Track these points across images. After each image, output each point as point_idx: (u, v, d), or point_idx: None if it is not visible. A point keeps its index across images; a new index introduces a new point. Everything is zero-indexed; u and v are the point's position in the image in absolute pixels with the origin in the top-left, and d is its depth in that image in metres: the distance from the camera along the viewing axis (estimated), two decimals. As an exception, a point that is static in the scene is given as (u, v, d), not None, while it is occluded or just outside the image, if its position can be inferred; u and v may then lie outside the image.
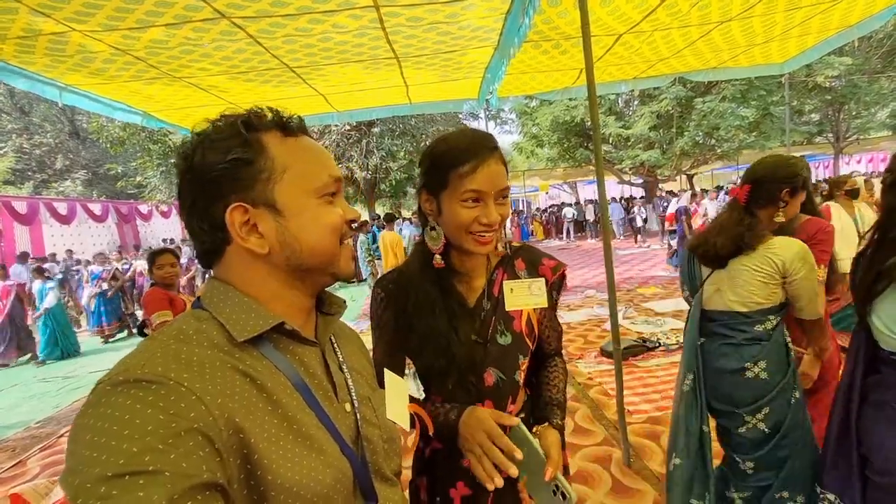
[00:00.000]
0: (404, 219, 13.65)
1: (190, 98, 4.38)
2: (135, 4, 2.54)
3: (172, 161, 14.08)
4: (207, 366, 0.51)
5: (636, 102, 16.54)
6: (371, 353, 0.99)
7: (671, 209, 8.81)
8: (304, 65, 3.94)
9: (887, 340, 1.18)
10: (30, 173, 20.91)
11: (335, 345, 0.68)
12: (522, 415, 1.00)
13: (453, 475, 0.97)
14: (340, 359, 0.67)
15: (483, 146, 0.88)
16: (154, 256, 2.71)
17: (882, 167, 16.95)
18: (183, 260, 10.72)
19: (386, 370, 0.76)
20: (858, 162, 21.65)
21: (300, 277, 0.61)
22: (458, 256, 0.97)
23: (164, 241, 16.20)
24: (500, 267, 1.01)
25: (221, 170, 0.56)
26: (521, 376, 0.97)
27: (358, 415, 0.64)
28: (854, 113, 17.92)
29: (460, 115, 18.11)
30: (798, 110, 18.01)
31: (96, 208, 15.84)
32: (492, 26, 3.52)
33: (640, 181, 18.24)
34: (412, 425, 0.78)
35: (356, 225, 0.67)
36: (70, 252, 10.60)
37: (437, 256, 0.94)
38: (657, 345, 4.19)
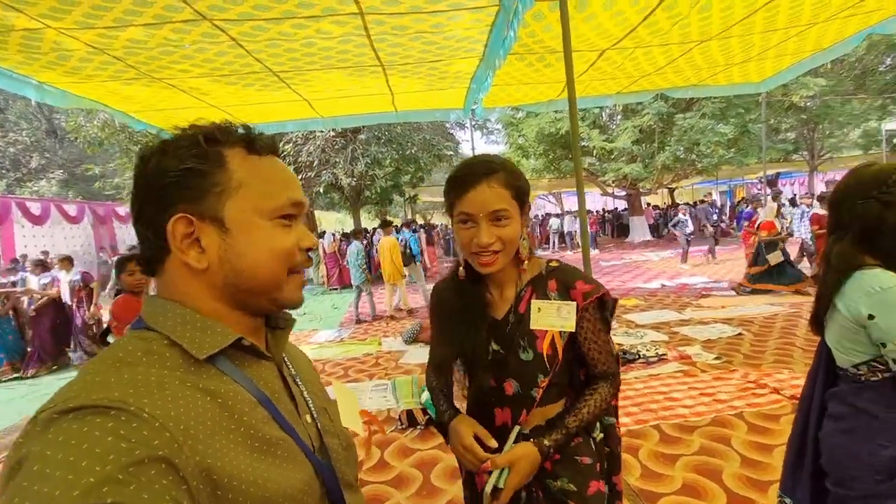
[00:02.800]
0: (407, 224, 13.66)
1: (171, 100, 4.30)
2: (112, 3, 2.48)
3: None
4: (167, 387, 0.48)
5: (619, 117, 16.83)
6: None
7: (765, 217, 7.14)
8: (288, 69, 3.91)
9: (837, 356, 1.23)
10: (3, 171, 20.27)
11: (286, 359, 0.68)
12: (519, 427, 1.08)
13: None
14: (293, 372, 0.67)
15: (474, 171, 0.95)
16: (124, 263, 2.58)
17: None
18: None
19: (335, 382, 0.79)
20: (833, 178, 22.39)
21: (239, 298, 0.58)
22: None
23: (134, 246, 15.78)
24: (531, 285, 1.04)
25: (173, 177, 0.55)
26: (538, 393, 1.01)
27: (318, 425, 0.64)
28: (828, 132, 18.56)
29: (447, 125, 18.21)
30: (775, 128, 18.57)
31: (71, 209, 15.35)
32: (477, 37, 3.54)
33: (623, 194, 18.55)
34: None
35: (326, 239, 0.65)
36: (45, 254, 10.16)
37: (461, 269, 1.07)
38: (636, 357, 4.22)
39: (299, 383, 0.66)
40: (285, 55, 3.59)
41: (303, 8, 2.80)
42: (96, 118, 11.71)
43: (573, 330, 0.99)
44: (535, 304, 0.99)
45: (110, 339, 2.56)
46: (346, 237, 11.69)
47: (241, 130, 0.60)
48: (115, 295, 2.52)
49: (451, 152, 18.37)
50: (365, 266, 7.49)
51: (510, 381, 1.01)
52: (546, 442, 0.99)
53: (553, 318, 0.98)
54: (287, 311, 0.67)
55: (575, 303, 0.99)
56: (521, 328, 1.00)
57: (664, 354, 4.25)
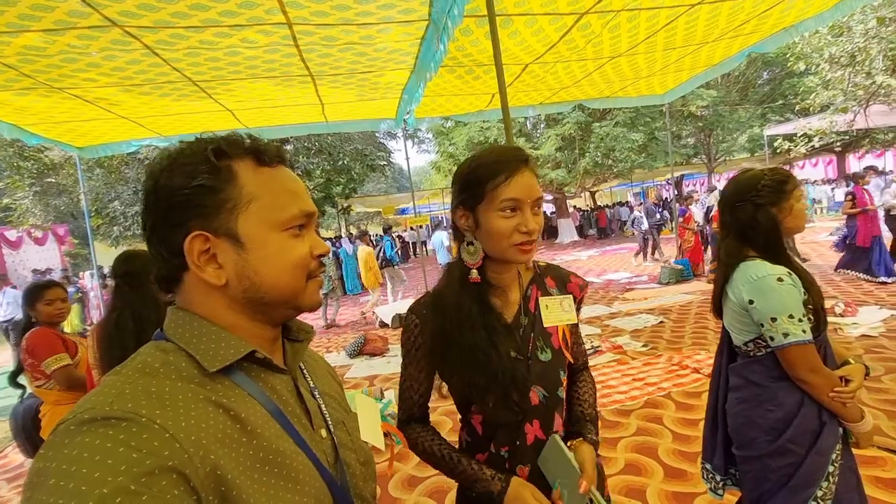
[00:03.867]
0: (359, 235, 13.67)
1: (73, 111, 3.91)
2: (4, 6, 2.24)
3: (49, 180, 12.37)
4: (180, 399, 0.49)
5: (543, 125, 17.76)
6: (400, 379, 1.03)
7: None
8: (209, 79, 3.72)
9: (732, 336, 1.43)
10: None
11: (305, 371, 0.67)
12: (559, 433, 1.00)
13: None
14: (312, 385, 0.66)
15: (515, 158, 0.90)
16: (41, 291, 2.22)
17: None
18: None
19: (357, 395, 0.74)
20: (728, 179, 25.18)
21: (260, 310, 0.59)
22: (493, 270, 0.97)
23: (37, 271, 14.06)
24: (533, 284, 1.01)
25: (185, 195, 0.55)
26: (563, 392, 0.98)
27: (335, 439, 0.63)
28: (721, 138, 20.84)
29: (378, 134, 18.12)
30: (677, 135, 20.55)
31: (-55, 237, 13.38)
32: (407, 50, 3.60)
33: (551, 198, 19.52)
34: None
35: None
36: None
37: (474, 271, 0.94)
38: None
39: (317, 396, 0.65)
40: (206, 64, 3.42)
41: (226, 17, 2.69)
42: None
43: (575, 321, 1.00)
44: (543, 301, 0.98)
45: (21, 379, 2.25)
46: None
47: (248, 141, 0.59)
48: (25, 328, 2.19)
49: (384, 162, 18.29)
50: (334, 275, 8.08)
51: (535, 389, 0.94)
52: (594, 437, 0.98)
53: (559, 312, 0.98)
54: (306, 323, 0.68)
55: (572, 295, 1.01)
56: (536, 328, 0.96)
57: (599, 347, 4.54)
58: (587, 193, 22.61)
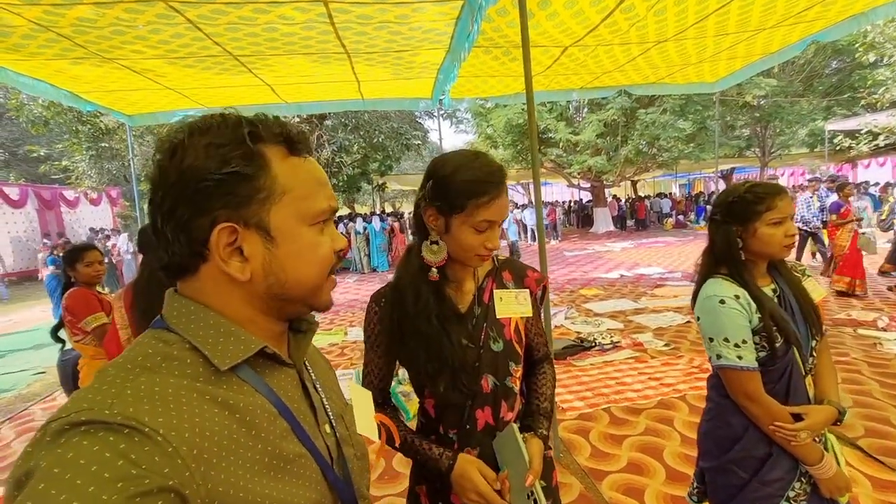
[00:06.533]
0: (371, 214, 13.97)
1: (123, 81, 4.11)
2: (57, -20, 2.36)
3: (104, 145, 13.06)
4: (184, 402, 0.46)
5: (585, 110, 17.17)
6: (362, 364, 1.08)
7: None
8: (249, 54, 3.81)
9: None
10: (-66, 150, 18.69)
11: (307, 364, 0.65)
12: (517, 423, 1.04)
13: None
14: (314, 377, 0.64)
15: (500, 181, 0.95)
16: (80, 253, 2.43)
17: (801, 181, 18.66)
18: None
19: (351, 384, 0.75)
20: (782, 175, 23.66)
21: (276, 306, 0.56)
22: (451, 268, 1.01)
23: (93, 230, 15.06)
24: (489, 277, 1.06)
25: (216, 181, 0.49)
26: (514, 383, 1.02)
27: (336, 434, 0.62)
28: (778, 130, 19.54)
29: (415, 113, 18.05)
30: (730, 125, 19.41)
31: (13, 192, 14.46)
32: (443, 30, 3.56)
33: (588, 185, 19.00)
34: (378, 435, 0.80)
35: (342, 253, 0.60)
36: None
37: (434, 270, 0.98)
38: (593, 345, 4.41)
39: (319, 390, 0.63)
40: (246, 39, 3.50)
41: (264, -7, 2.74)
42: (40, 96, 10.97)
43: (531, 314, 1.04)
44: (497, 293, 1.03)
45: (62, 334, 2.46)
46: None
47: (279, 126, 0.55)
48: (65, 287, 2.40)
49: (419, 141, 18.25)
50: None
51: (486, 377, 0.99)
52: (544, 432, 1.02)
53: (514, 305, 1.02)
54: (311, 315, 0.64)
55: (528, 289, 1.06)
56: (489, 319, 1.01)
57: (618, 342, 4.46)
58: (628, 182, 21.86)
